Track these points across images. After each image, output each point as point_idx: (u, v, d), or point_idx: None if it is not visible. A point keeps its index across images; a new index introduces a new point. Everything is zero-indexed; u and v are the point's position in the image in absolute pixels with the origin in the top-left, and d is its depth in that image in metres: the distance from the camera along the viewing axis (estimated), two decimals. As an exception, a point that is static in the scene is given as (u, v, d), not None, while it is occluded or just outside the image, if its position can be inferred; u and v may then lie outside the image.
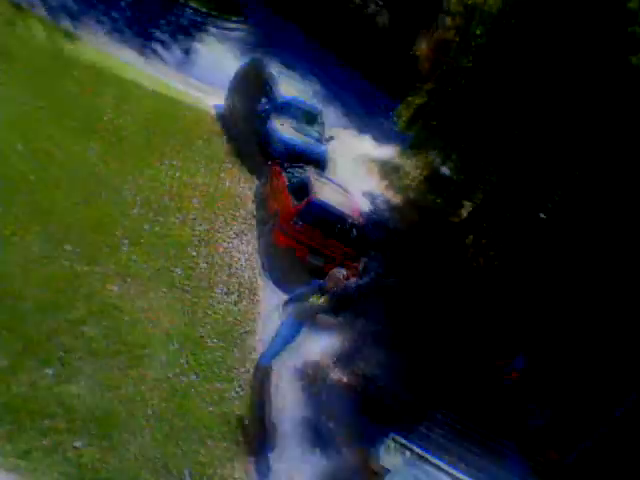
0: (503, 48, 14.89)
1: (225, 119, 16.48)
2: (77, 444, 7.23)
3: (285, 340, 9.92)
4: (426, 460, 9.59)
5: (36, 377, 7.58)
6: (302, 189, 13.54)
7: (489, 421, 11.99)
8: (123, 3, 18.28)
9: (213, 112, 16.57)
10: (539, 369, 12.77)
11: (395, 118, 17.49)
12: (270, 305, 11.48)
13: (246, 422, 9.04)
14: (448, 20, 18.69)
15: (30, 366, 7.65)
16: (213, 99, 16.92)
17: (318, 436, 9.86)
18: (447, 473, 9.68)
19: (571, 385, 12.30)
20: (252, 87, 16.41)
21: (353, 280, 13.04)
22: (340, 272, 9.85)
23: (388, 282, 14.38)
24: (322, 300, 9.65)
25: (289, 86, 16.53)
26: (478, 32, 15.78)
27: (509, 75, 14.52)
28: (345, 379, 11.31)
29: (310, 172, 14.25)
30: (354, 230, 13.39)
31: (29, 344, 7.85)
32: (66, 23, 15.60)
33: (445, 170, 16.16)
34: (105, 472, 7.18)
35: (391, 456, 9.63)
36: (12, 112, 11.16)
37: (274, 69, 16.84)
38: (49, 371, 7.75)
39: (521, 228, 14.19)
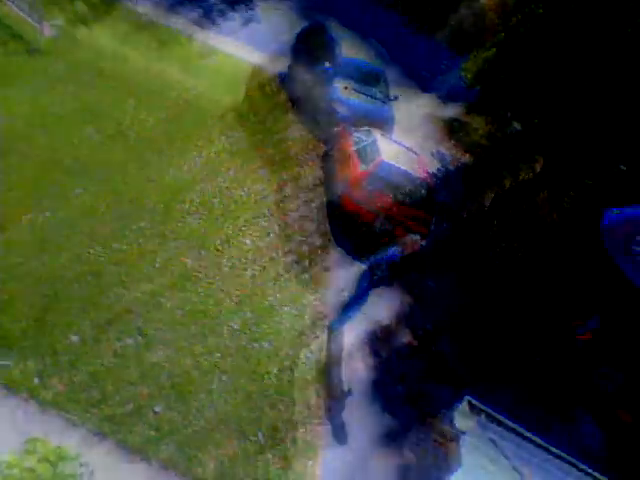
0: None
1: (288, 84, 16.40)
2: (157, 409, 7.63)
3: (356, 306, 10.06)
4: (501, 423, 9.52)
5: (118, 347, 8.01)
6: (370, 153, 13.39)
7: (561, 383, 11.75)
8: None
9: (276, 78, 16.50)
10: (612, 330, 12.30)
11: (462, 73, 16.90)
12: (340, 272, 11.63)
13: (317, 386, 9.24)
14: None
15: (112, 337, 8.12)
16: (275, 65, 16.83)
17: (388, 399, 9.93)
18: (522, 436, 9.59)
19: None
20: (313, 51, 16.23)
21: (424, 242, 13.01)
22: (414, 238, 9.83)
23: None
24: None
25: (351, 48, 16.25)
26: None
27: (582, 23, 13.71)
28: (414, 342, 11.29)
29: (377, 135, 14.03)
30: (423, 192, 13.17)
31: (111, 317, 8.33)
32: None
33: (516, 126, 15.55)
34: (182, 434, 7.58)
35: (465, 419, 9.61)
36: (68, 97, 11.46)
37: (334, 32, 16.57)
38: (130, 341, 8.20)
39: (599, 182, 13.55)
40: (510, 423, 9.66)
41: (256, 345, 9.17)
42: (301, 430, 8.62)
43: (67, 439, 6.79)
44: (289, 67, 16.85)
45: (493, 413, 9.79)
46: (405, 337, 11.23)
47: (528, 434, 9.61)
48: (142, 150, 11.29)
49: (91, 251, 9.11)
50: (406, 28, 20.43)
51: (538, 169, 14.97)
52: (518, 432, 9.68)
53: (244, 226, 11.10)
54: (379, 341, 10.79)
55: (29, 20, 12.55)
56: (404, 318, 11.55)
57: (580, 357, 12.23)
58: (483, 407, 9.82)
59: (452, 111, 18.10)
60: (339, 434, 8.96)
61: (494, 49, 16.14)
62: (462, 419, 9.65)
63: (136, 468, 7.10)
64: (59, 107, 11.23)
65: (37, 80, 11.57)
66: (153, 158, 11.28)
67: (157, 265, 9.39)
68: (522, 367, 11.20)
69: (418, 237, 10.20)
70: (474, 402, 9.87)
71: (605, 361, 12.09)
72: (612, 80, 12.87)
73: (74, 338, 7.82)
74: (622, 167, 13.75)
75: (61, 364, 7.48)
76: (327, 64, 15.74)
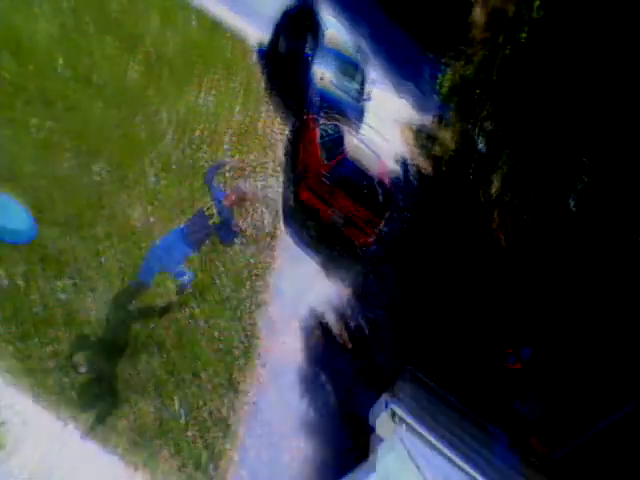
0: (559, 24, 14.27)
1: (267, 57, 16.05)
2: (82, 370, 7.39)
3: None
4: (421, 436, 9.61)
5: (48, 289, 7.74)
6: (334, 147, 13.29)
7: (483, 404, 12.02)
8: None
9: (256, 48, 16.04)
10: (543, 362, 12.64)
11: (438, 85, 16.98)
12: (286, 255, 11.57)
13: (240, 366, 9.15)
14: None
15: (44, 278, 7.81)
16: (257, 35, 16.37)
17: (312, 390, 9.99)
18: (440, 452, 9.72)
19: (571, 384, 12.17)
20: (298, 31, 15.94)
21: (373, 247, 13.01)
22: (245, 187, 8.92)
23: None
24: (213, 215, 7.90)
25: (336, 37, 16.02)
26: (537, 4, 15.12)
27: (564, 52, 13.95)
28: (349, 343, 11.32)
29: (344, 131, 13.93)
30: (380, 196, 13.17)
31: (45, 258, 8.00)
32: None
33: (481, 146, 15.75)
34: (104, 399, 7.39)
35: (386, 426, 9.66)
36: (54, 25, 10.96)
37: (323, 18, 16.30)
38: (60, 283, 7.90)
39: (547, 216, 13.88)
40: (431, 437, 9.78)
41: (193, 324, 8.97)
42: (218, 402, 8.53)
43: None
44: (269, 45, 16.51)
45: (415, 424, 9.89)
46: (341, 335, 11.26)
47: (446, 451, 9.76)
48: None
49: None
50: (394, 32, 20.41)
51: (494, 191, 15.21)
52: (437, 447, 9.81)
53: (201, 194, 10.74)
54: (314, 333, 10.79)
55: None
56: (343, 317, 11.59)
57: (506, 382, 12.53)
58: (405, 417, 9.91)
59: (422, 120, 18.22)
60: (256, 413, 8.86)
61: (473, 66, 16.25)
62: (383, 425, 9.72)
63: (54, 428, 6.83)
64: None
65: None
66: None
67: (104, 212, 9.05)
68: (448, 382, 11.35)
69: (243, 187, 8.83)
70: (397, 410, 9.96)
71: (529, 389, 12.43)
72: (583, 114, 13.13)
73: (4, 282, 7.45)
74: (571, 206, 14.11)
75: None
76: (308, 50, 15.49)
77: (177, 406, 7.96)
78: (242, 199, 8.07)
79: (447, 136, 17.02)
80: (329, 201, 12.64)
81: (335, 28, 16.40)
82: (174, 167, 10.70)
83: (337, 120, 14.41)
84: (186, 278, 7.84)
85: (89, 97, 10.35)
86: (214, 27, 15.29)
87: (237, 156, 12.12)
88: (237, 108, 13.48)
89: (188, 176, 10.75)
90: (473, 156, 15.81)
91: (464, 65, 16.73)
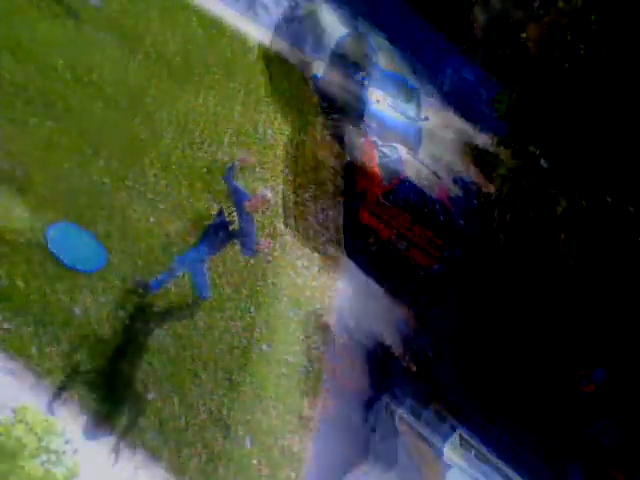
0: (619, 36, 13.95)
1: (321, 88, 16.06)
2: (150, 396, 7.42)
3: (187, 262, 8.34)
4: (491, 463, 9.35)
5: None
6: (393, 169, 13.27)
7: (557, 430, 11.54)
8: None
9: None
10: (617, 384, 12.10)
11: (495, 104, 16.75)
12: (348, 283, 11.43)
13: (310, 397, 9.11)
14: (561, 3, 17.65)
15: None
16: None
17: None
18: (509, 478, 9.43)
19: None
20: (351, 59, 15.99)
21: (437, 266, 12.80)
22: (269, 193, 8.03)
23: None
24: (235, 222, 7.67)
25: (389, 59, 16.06)
26: (593, 18, 14.83)
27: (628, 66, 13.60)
28: (413, 367, 11.13)
29: (402, 152, 13.90)
30: (442, 217, 13.04)
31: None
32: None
33: (543, 163, 15.37)
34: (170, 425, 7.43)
35: (455, 452, 9.46)
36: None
37: (374, 42, 16.31)
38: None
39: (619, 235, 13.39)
40: (500, 464, 9.51)
41: (256, 349, 8.99)
42: (289, 438, 8.44)
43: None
44: (325, 71, 16.66)
45: (483, 450, 9.65)
46: (405, 360, 11.09)
47: (517, 477, 9.46)
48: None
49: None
50: (450, 51, 20.32)
51: (560, 211, 14.80)
52: (506, 474, 9.53)
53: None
54: (377, 361, 10.66)
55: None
56: (406, 341, 11.40)
57: (580, 407, 12.02)
58: (474, 443, 9.67)
59: (481, 140, 17.98)
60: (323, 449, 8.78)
61: (531, 83, 15.97)
62: (452, 452, 9.51)
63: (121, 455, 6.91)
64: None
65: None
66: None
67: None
68: (520, 407, 11.00)
69: (267, 193, 8.18)
70: (465, 436, 9.73)
71: (605, 414, 11.89)
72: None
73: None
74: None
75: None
76: (363, 74, 15.58)
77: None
78: (265, 205, 7.74)
79: (507, 155, 16.71)
80: (390, 223, 12.60)
81: (387, 49, 16.44)
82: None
83: (395, 142, 14.39)
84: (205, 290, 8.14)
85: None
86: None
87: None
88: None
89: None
90: (536, 175, 15.41)
91: (520, 83, 16.44)
